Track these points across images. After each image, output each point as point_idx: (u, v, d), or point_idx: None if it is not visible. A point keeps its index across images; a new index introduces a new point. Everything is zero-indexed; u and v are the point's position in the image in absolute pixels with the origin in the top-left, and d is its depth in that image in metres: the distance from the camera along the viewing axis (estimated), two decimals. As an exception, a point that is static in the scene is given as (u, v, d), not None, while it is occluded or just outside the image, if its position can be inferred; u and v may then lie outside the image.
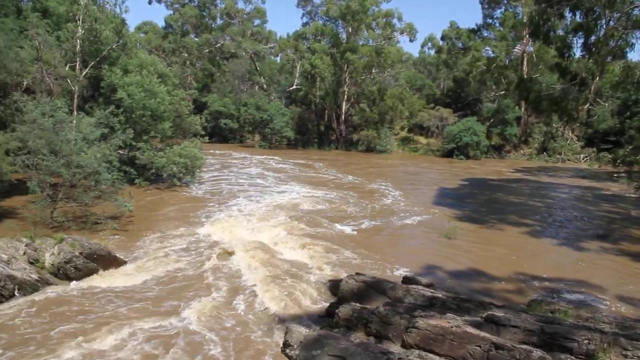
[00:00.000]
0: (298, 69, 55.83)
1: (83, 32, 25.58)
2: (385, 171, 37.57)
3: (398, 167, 41.09)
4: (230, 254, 14.56)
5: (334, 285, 11.43)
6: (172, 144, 26.59)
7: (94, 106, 24.86)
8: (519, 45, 52.20)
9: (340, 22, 54.23)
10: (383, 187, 28.71)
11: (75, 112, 23.19)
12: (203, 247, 15.27)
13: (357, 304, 8.91)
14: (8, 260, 11.19)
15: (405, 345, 7.33)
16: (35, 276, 11.38)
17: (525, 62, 50.94)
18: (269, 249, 15.18)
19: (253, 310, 10.76)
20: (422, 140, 55.38)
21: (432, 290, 9.79)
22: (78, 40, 25.63)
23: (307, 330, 7.96)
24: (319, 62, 50.50)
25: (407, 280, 11.18)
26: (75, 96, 25.07)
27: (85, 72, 25.75)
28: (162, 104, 25.08)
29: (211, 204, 22.12)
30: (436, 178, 35.05)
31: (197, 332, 9.54)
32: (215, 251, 14.78)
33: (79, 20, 25.49)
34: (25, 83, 22.73)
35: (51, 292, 11.16)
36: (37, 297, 10.76)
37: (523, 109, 52.11)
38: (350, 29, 53.39)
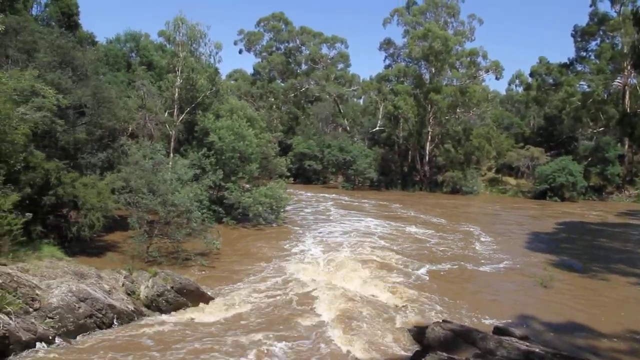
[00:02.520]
0: (381, 110, 56.19)
1: (181, 81, 27.99)
2: (472, 213, 36.03)
3: (486, 209, 39.22)
4: (313, 295, 14.49)
5: (419, 332, 10.90)
6: (258, 185, 27.63)
7: (188, 149, 26.76)
8: (619, 77, 48.84)
9: (423, 62, 54.08)
10: (471, 229, 27.45)
11: (171, 154, 24.99)
12: (285, 286, 15.38)
13: (445, 354, 8.39)
14: (109, 291, 12.00)
15: (499, 404, 6.71)
16: (131, 307, 12.07)
17: (627, 96, 47.39)
18: (350, 290, 14.91)
19: (335, 354, 10.48)
20: (511, 181, 52.79)
21: (527, 344, 9.00)
22: (176, 89, 28.06)
23: (391, 379, 7.57)
24: (402, 103, 50.44)
25: (498, 330, 10.42)
26: (172, 139, 27.18)
27: (181, 117, 27.94)
28: (250, 146, 26.32)
29: (294, 242, 22.38)
30: (528, 221, 32.93)
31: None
32: (297, 290, 14.82)
33: (178, 70, 27.96)
34: (130, 128, 25.02)
35: (144, 323, 11.72)
36: (133, 327, 11.33)
37: (627, 146, 48.16)
38: (433, 69, 53.04)
